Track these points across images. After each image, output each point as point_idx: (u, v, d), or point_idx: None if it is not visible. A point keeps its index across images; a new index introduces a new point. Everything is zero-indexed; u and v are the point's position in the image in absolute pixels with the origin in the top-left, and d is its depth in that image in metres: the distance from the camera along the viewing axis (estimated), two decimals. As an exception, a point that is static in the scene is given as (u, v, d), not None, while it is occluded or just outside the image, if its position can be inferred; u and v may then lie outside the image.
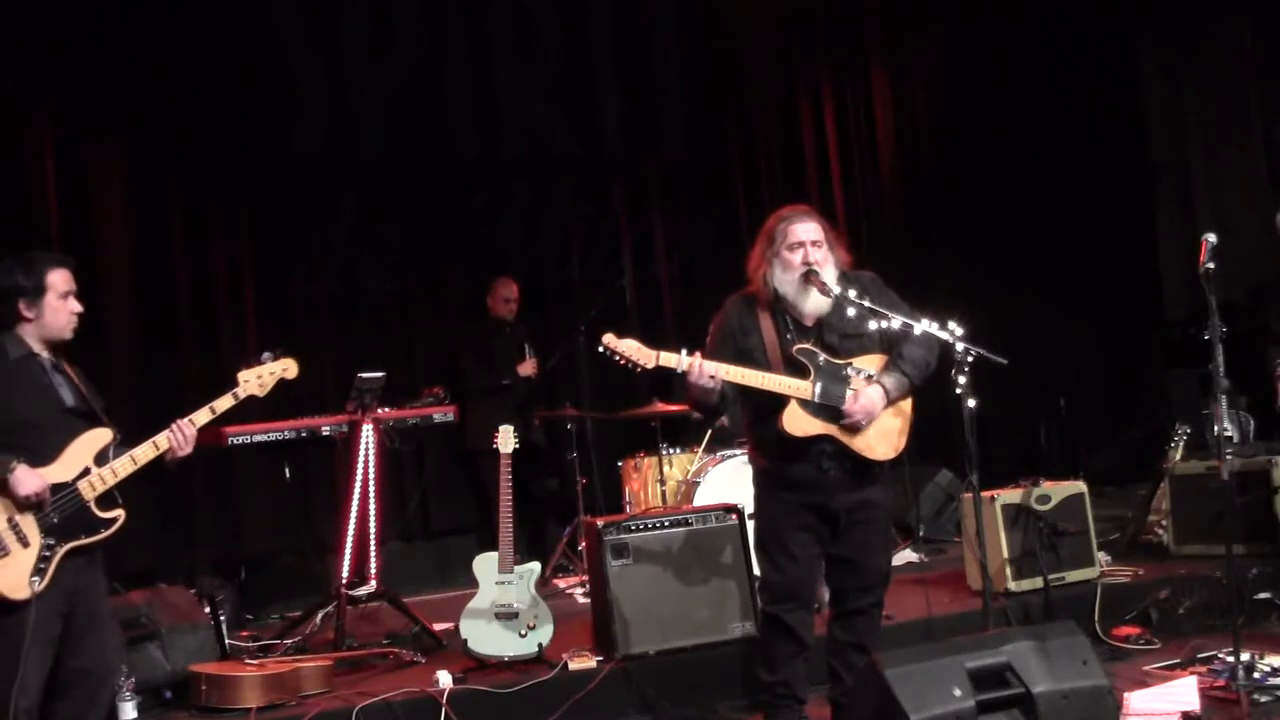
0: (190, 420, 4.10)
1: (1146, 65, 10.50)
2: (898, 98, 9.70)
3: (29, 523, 3.88)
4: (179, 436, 4.06)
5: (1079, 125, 9.82)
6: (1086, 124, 9.85)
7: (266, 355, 4.28)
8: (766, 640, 4.50)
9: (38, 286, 4.03)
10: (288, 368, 4.31)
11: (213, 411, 4.15)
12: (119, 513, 4.04)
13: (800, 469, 4.30)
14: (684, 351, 4.17)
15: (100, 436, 4.05)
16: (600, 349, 4.20)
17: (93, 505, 3.98)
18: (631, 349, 4.16)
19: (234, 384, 4.22)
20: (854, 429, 4.25)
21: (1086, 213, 9.61)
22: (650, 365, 4.16)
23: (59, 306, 4.06)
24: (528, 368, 7.71)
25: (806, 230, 4.31)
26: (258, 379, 4.24)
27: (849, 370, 4.28)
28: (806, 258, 4.27)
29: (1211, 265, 4.71)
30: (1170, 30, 10.32)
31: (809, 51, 9.42)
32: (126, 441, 4.09)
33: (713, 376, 4.14)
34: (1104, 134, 9.98)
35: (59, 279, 4.07)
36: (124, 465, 4.01)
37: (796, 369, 4.27)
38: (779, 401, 4.24)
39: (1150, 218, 10.40)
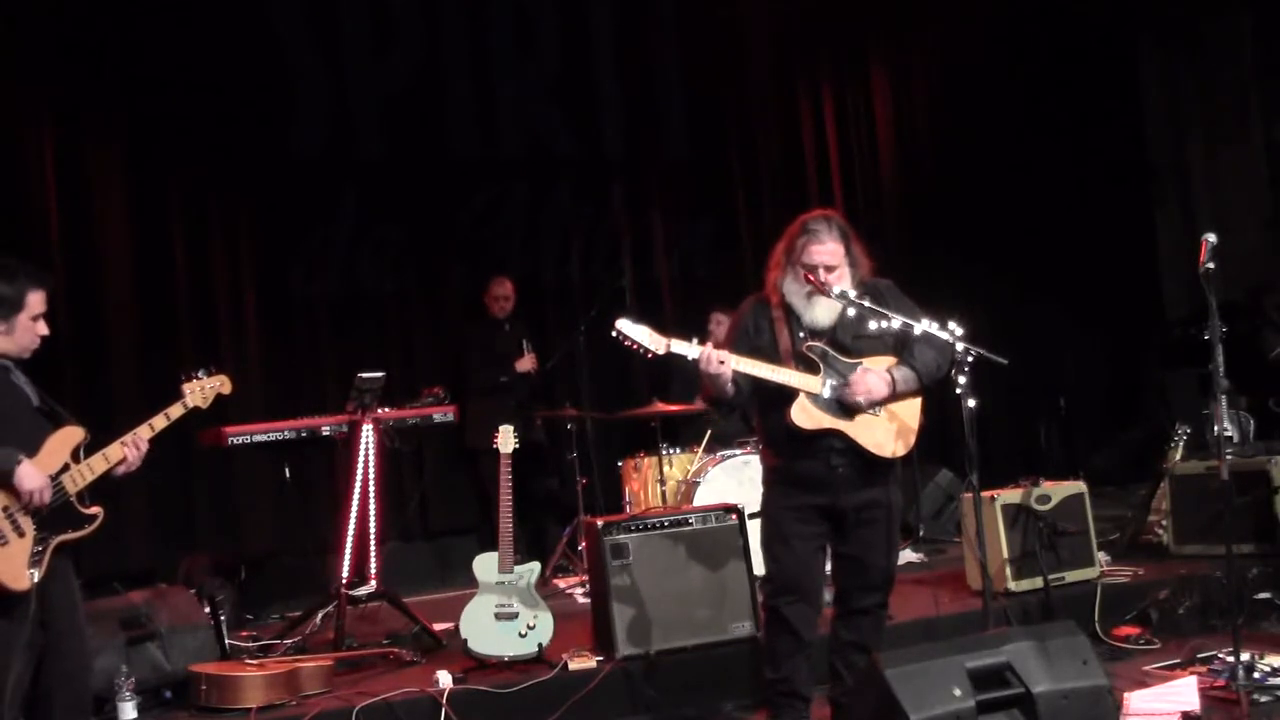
0: (148, 426, 4.16)
1: (1146, 65, 10.49)
2: (898, 98, 9.70)
3: (22, 514, 3.89)
4: (133, 452, 4.11)
5: (1079, 125, 9.82)
6: (1086, 124, 9.85)
7: (202, 372, 4.41)
8: (768, 635, 4.52)
9: (16, 302, 4.01)
10: (223, 383, 4.45)
11: (167, 418, 4.24)
12: (98, 509, 4.08)
13: (809, 465, 4.31)
14: (695, 340, 4.20)
15: (74, 434, 4.08)
16: (613, 334, 4.22)
17: (75, 501, 4.01)
18: (644, 335, 4.19)
19: (181, 395, 4.33)
20: (856, 410, 4.25)
21: (1086, 213, 9.61)
22: (662, 352, 4.19)
23: (29, 327, 4.05)
24: (525, 363, 7.71)
25: (823, 253, 4.30)
26: (200, 391, 4.36)
27: (859, 368, 4.30)
28: (816, 279, 4.28)
29: (1211, 265, 4.70)
30: (1170, 30, 10.32)
31: (809, 51, 9.43)
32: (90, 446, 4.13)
33: (722, 362, 4.16)
34: (1104, 134, 9.98)
35: (36, 300, 4.06)
36: (98, 463, 4.06)
37: (807, 365, 4.30)
38: (789, 396, 4.26)
39: (1150, 218, 10.40)
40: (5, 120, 6.94)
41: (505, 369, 7.68)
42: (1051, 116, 9.70)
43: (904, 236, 9.37)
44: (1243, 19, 9.82)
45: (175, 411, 4.27)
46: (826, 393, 4.26)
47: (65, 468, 4.01)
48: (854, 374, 4.27)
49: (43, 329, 4.10)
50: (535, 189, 8.44)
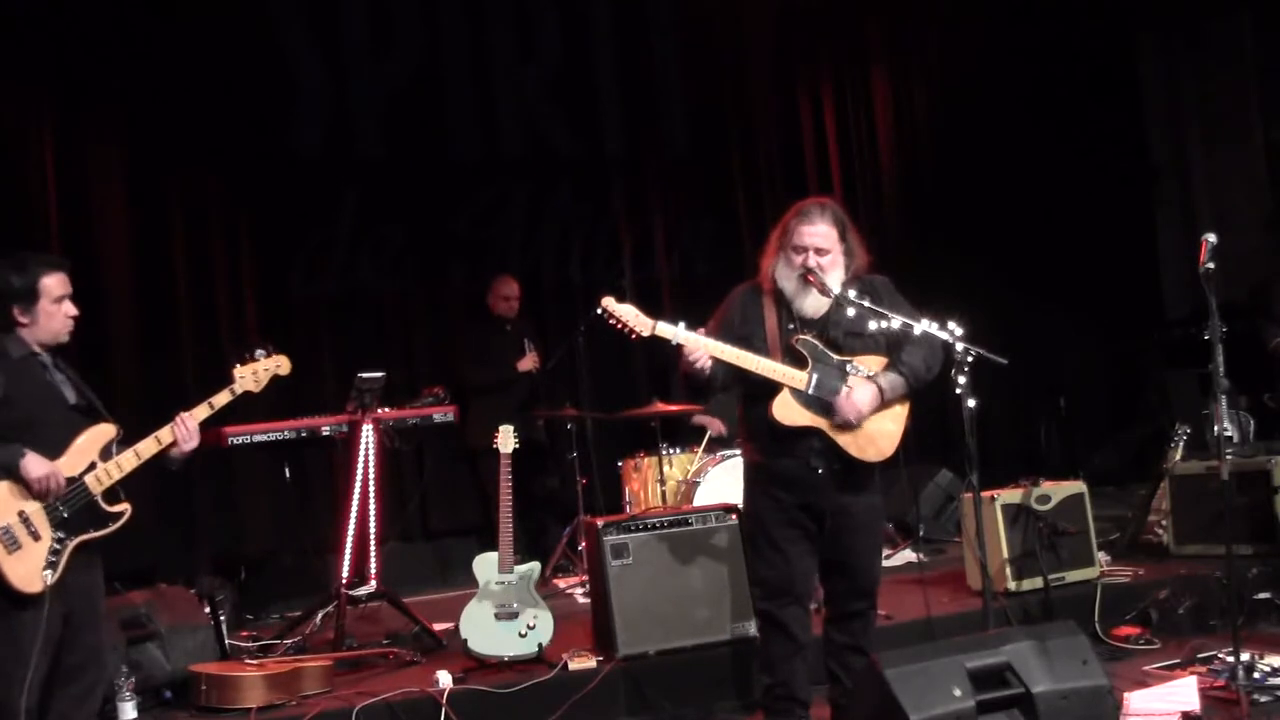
0: (191, 415, 4.12)
1: (1146, 65, 10.50)
2: (898, 98, 9.71)
3: (39, 517, 3.89)
4: (182, 430, 4.09)
5: (1079, 125, 9.82)
6: (1086, 124, 9.85)
7: (260, 352, 4.31)
8: (763, 639, 4.50)
9: (30, 291, 4.00)
10: (281, 364, 4.34)
11: (211, 407, 4.18)
12: (125, 507, 4.06)
13: (789, 464, 4.27)
14: (682, 324, 4.18)
15: (104, 432, 4.08)
16: (598, 311, 4.20)
17: (100, 499, 4.00)
18: (629, 315, 4.17)
19: (230, 380, 4.25)
20: (844, 427, 4.23)
21: (1087, 212, 9.61)
22: (646, 334, 4.16)
23: (53, 311, 4.05)
24: (527, 362, 7.69)
25: (814, 235, 4.26)
26: (253, 375, 4.28)
27: (849, 367, 4.27)
28: (806, 263, 4.26)
29: (1211, 265, 4.70)
30: (1170, 30, 10.32)
31: (809, 51, 9.43)
32: (125, 441, 4.12)
33: (703, 366, 4.13)
34: (1104, 134, 9.98)
35: (54, 283, 4.05)
36: (128, 460, 4.04)
37: (795, 359, 4.26)
38: (773, 390, 4.22)
39: (1150, 218, 10.40)
40: (5, 120, 6.94)
41: (505, 369, 7.67)
42: (1052, 117, 9.70)
43: (904, 236, 9.37)
44: (1243, 19, 9.83)
45: (221, 399, 4.20)
46: (811, 389, 4.22)
47: (91, 466, 4.00)
48: (839, 398, 4.20)
49: (70, 310, 4.10)
50: (535, 189, 8.44)
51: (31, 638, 3.80)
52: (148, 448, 4.06)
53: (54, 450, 3.94)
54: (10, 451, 3.87)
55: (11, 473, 3.86)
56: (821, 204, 4.37)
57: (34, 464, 3.87)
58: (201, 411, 4.15)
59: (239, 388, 4.24)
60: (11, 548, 3.83)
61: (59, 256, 4.24)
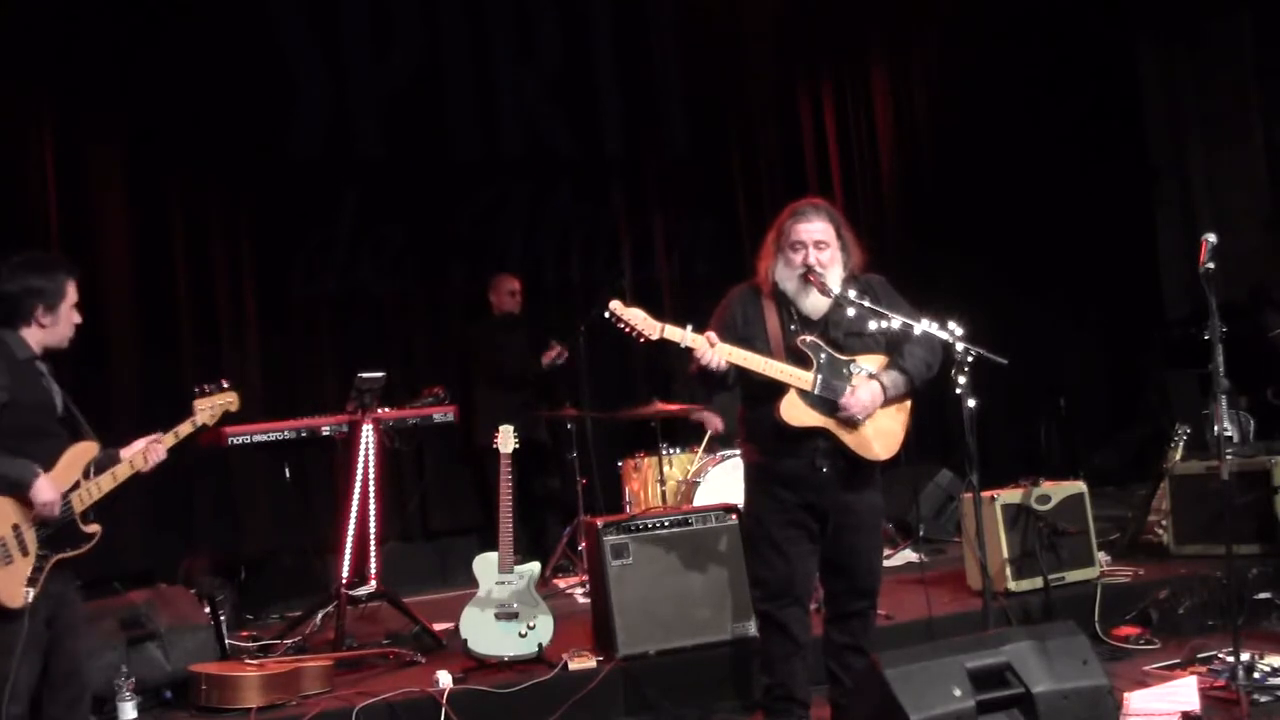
0: (160, 442, 4.18)
1: (1146, 65, 10.50)
2: (898, 98, 9.70)
3: (30, 532, 3.90)
4: (155, 455, 4.15)
5: (1079, 125, 9.82)
6: (1086, 124, 9.85)
7: (211, 386, 4.38)
8: (763, 639, 4.49)
9: (58, 293, 4.04)
10: (230, 401, 4.41)
11: (176, 436, 4.25)
12: (96, 528, 4.09)
13: (794, 464, 4.28)
14: (689, 327, 4.18)
15: (88, 450, 4.09)
16: (605, 314, 4.18)
17: (78, 519, 4.02)
18: (637, 318, 4.16)
19: (191, 412, 4.31)
20: (850, 424, 4.24)
21: (1086, 213, 9.61)
22: (654, 337, 4.15)
23: (69, 316, 4.09)
24: (552, 354, 7.68)
25: (811, 231, 4.28)
26: (210, 409, 4.35)
27: (851, 367, 4.27)
28: (806, 259, 4.26)
29: (1211, 265, 4.71)
30: (1170, 30, 10.33)
31: (809, 51, 9.42)
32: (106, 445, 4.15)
33: (714, 367, 4.13)
34: (1104, 134, 9.98)
35: (73, 289, 4.11)
36: (106, 482, 4.07)
37: (798, 360, 4.26)
38: (776, 390, 4.23)
39: (1150, 218, 10.40)
40: (5, 120, 6.94)
41: (524, 363, 7.67)
42: (1052, 117, 9.70)
43: (904, 236, 9.37)
44: (1243, 19, 9.83)
45: (185, 429, 4.27)
46: (818, 390, 4.23)
47: (75, 485, 4.01)
48: (844, 396, 4.22)
49: (77, 317, 4.14)
50: (536, 189, 8.45)
51: (11, 652, 3.80)
52: (123, 472, 4.10)
53: (44, 462, 3.95)
54: (22, 468, 3.87)
55: (17, 488, 3.86)
56: (815, 203, 4.40)
57: (44, 489, 3.88)
58: (169, 440, 4.21)
59: (199, 420, 4.31)
60: (5, 561, 3.83)
61: (73, 261, 4.28)
